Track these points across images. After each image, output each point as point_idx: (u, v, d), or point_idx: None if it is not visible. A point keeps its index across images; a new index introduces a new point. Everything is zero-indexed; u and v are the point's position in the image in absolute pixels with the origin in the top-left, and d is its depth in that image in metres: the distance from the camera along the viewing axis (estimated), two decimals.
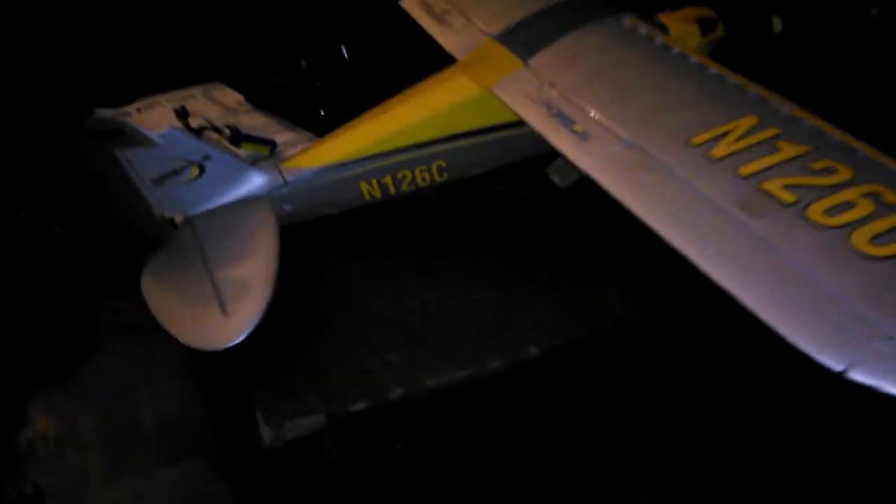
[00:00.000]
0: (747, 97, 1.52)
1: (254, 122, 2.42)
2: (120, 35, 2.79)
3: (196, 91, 2.56)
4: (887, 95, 2.54)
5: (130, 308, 2.51)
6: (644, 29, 1.82)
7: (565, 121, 1.63)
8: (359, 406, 1.52)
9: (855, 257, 1.15)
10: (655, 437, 1.77)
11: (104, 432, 2.23)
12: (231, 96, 2.56)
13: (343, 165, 1.83)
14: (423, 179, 1.93)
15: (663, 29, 2.01)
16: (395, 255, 1.95)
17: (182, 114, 1.99)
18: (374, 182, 1.88)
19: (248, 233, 1.70)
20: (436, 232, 2.05)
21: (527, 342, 1.66)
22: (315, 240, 1.95)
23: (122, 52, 2.79)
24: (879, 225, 1.18)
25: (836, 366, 1.05)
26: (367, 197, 1.90)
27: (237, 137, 2.12)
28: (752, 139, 1.40)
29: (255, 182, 1.77)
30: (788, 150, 1.35)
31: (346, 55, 2.45)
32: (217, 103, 2.49)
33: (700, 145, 1.43)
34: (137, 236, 1.91)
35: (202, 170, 1.69)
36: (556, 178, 2.16)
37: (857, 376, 1.02)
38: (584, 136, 1.57)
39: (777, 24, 2.06)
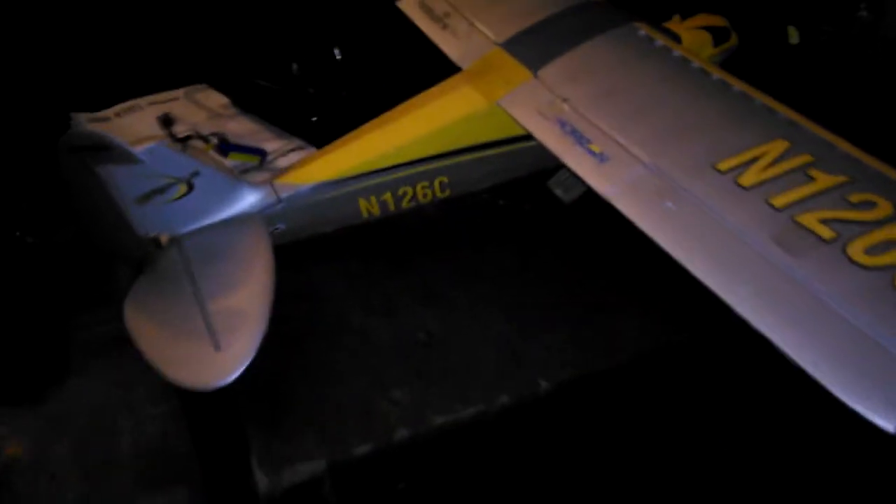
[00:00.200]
0: (775, 119, 1.44)
1: (241, 127, 2.29)
2: (97, 33, 2.63)
3: (179, 93, 2.42)
4: (877, 94, 2.50)
5: (106, 321, 2.37)
6: (660, 40, 1.73)
7: (580, 139, 1.54)
8: (362, 449, 1.42)
9: None
10: (671, 472, 1.69)
11: (80, 459, 2.09)
12: (216, 99, 2.42)
13: (341, 182, 1.72)
14: (425, 196, 1.83)
15: (674, 38, 1.92)
16: (396, 277, 1.85)
17: (166, 122, 1.87)
18: (374, 199, 1.77)
19: (240, 255, 1.59)
20: (437, 251, 1.94)
21: (537, 376, 1.57)
22: (309, 261, 1.84)
23: (100, 50, 2.63)
24: None
25: (888, 425, 0.98)
26: (366, 214, 1.80)
27: (225, 147, 2.01)
28: (784, 166, 1.32)
29: (248, 199, 1.65)
30: (823, 179, 1.28)
31: (338, 57, 2.32)
32: (201, 107, 2.36)
33: (728, 171, 1.35)
34: (120, 256, 1.79)
35: (191, 187, 1.57)
36: (559, 192, 2.07)
37: None
38: (602, 158, 1.48)
39: (793, 36, 1.98)
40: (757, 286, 1.17)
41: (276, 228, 1.70)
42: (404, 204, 1.82)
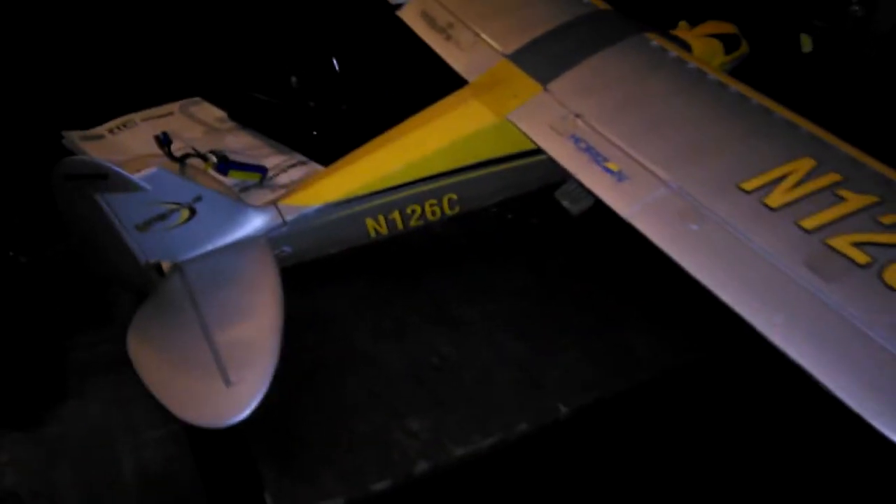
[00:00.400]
0: (798, 135, 1.40)
1: (239, 142, 2.24)
2: (87, 46, 2.55)
3: (173, 108, 2.37)
4: (870, 88, 2.48)
5: (103, 341, 2.30)
6: (673, 51, 1.69)
7: (596, 157, 1.49)
8: (381, 485, 1.36)
9: None
10: (696, 495, 1.65)
11: (81, 486, 2.04)
12: (212, 113, 2.37)
13: (348, 202, 1.67)
14: (433, 213, 1.78)
15: (684, 47, 1.88)
16: (404, 297, 1.80)
17: (164, 141, 1.81)
18: (381, 218, 1.72)
19: (246, 282, 1.53)
20: (444, 268, 1.90)
21: (556, 401, 1.53)
22: (313, 282, 1.78)
23: (90, 63, 2.55)
24: None
25: None
26: (373, 234, 1.74)
27: (225, 166, 1.95)
28: (812, 186, 1.28)
29: (252, 223, 1.59)
30: (854, 200, 1.24)
31: (337, 68, 2.27)
32: (197, 122, 2.31)
33: (753, 191, 1.31)
34: (119, 283, 1.73)
35: (193, 212, 1.51)
36: (566, 204, 2.03)
37: None
38: (620, 177, 1.43)
39: (806, 44, 1.94)
40: (790, 313, 1.13)
41: (282, 251, 1.65)
42: (412, 222, 1.77)
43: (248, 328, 1.42)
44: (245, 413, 1.28)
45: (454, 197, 1.77)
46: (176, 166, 1.71)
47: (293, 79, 2.12)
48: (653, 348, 1.70)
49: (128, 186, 1.39)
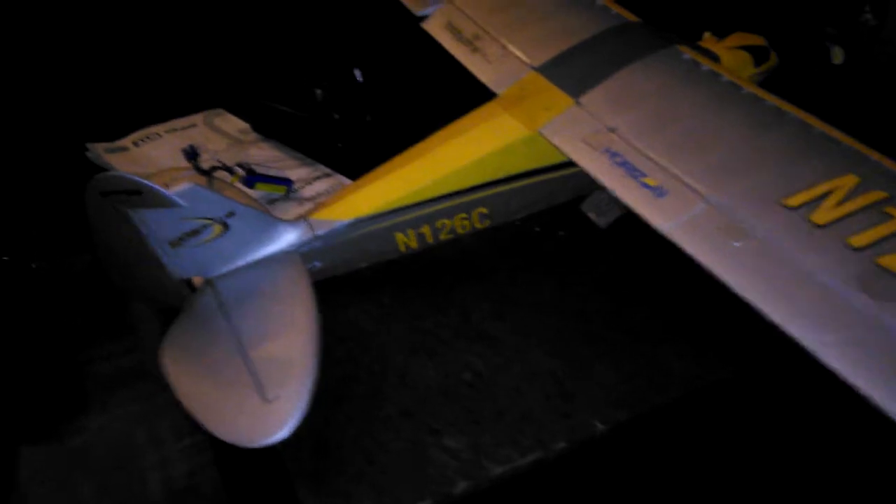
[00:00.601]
0: (840, 150, 1.39)
1: (263, 154, 2.23)
2: (108, 56, 2.54)
3: (197, 119, 2.36)
4: (882, 94, 2.46)
5: (124, 353, 2.29)
6: (705, 64, 1.67)
7: (633, 172, 1.48)
8: None
9: None
10: None
11: (105, 502, 2.02)
12: (234, 124, 2.36)
13: (378, 216, 1.65)
14: (463, 227, 1.76)
15: (713, 59, 1.87)
16: (434, 311, 1.78)
17: (191, 154, 1.79)
18: (412, 232, 1.71)
19: (281, 297, 1.51)
20: (473, 281, 1.88)
21: (592, 417, 1.51)
22: (342, 296, 1.77)
23: (111, 73, 2.54)
24: None
25: None
26: (403, 248, 1.73)
27: (251, 179, 1.94)
28: (858, 203, 1.26)
29: (285, 238, 1.58)
30: None
31: (359, 79, 2.26)
32: (221, 133, 2.30)
33: (798, 208, 1.29)
34: (147, 300, 1.71)
35: (226, 227, 1.50)
36: (593, 217, 2.02)
37: None
38: (659, 192, 1.42)
39: (837, 56, 1.93)
40: (845, 335, 1.11)
41: (312, 266, 1.63)
42: (442, 236, 1.75)
43: (286, 344, 1.40)
44: (285, 432, 1.26)
45: (484, 211, 1.75)
46: (204, 180, 1.69)
47: (318, 91, 2.11)
48: (685, 364, 1.68)
49: (162, 202, 1.38)
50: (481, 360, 1.65)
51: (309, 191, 2.07)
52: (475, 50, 1.95)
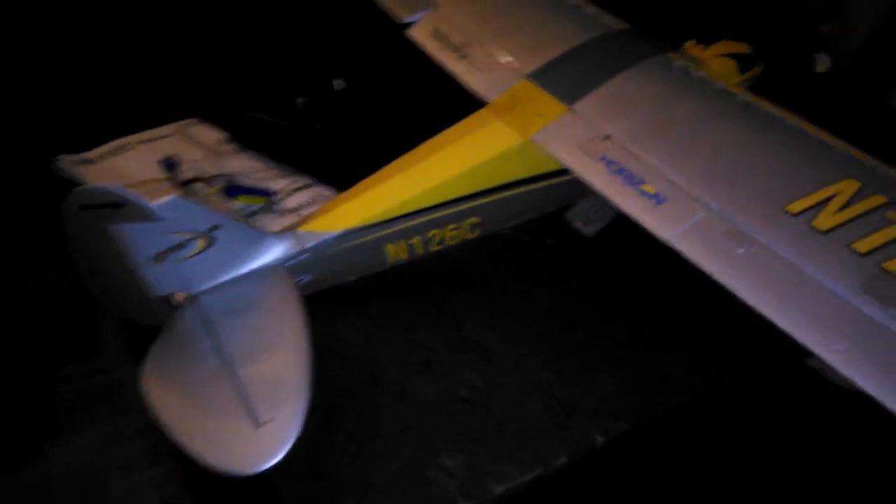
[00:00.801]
0: (837, 156, 1.39)
1: (242, 165, 2.16)
2: (79, 64, 2.45)
3: (171, 129, 2.27)
4: (843, 104, 2.51)
5: (88, 374, 2.17)
6: (698, 71, 1.67)
7: (631, 179, 1.46)
8: None
9: None
10: None
11: None
12: (211, 135, 2.28)
13: (368, 228, 1.60)
14: (454, 237, 1.72)
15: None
16: (426, 324, 1.73)
17: (170, 165, 1.73)
18: (402, 243, 1.66)
19: (269, 313, 1.45)
20: (464, 292, 1.84)
21: (591, 430, 1.48)
22: (330, 309, 1.71)
23: (82, 83, 2.45)
24: None
25: None
26: (393, 260, 1.68)
27: (232, 191, 1.88)
28: (859, 208, 1.26)
29: (272, 252, 1.52)
30: None
31: (338, 88, 2.20)
32: (197, 144, 2.21)
33: (800, 214, 1.28)
34: (129, 317, 1.63)
35: (211, 241, 1.43)
36: (579, 225, 2.00)
37: None
38: (658, 199, 1.40)
39: (822, 64, 1.94)
40: (854, 341, 1.10)
41: (300, 280, 1.57)
42: (432, 247, 1.71)
43: (276, 362, 1.34)
44: (278, 457, 1.19)
45: (476, 220, 1.72)
46: (182, 192, 1.63)
47: (299, 100, 2.05)
48: (682, 371, 1.66)
49: (145, 216, 1.31)
50: (477, 373, 1.60)
51: (290, 202, 2.00)
52: (463, 57, 1.91)
